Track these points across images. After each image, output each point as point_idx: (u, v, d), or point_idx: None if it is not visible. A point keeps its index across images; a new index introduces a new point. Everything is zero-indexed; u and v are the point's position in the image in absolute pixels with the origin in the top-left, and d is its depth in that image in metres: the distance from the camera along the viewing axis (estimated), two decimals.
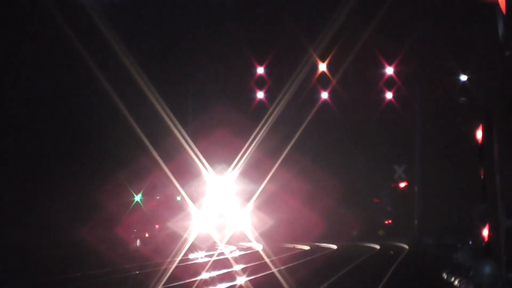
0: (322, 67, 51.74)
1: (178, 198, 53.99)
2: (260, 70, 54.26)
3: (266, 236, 51.84)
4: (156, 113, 44.54)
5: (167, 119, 44.89)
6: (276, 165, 51.76)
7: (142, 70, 43.32)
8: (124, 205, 51.59)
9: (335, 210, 59.59)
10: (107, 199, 47.94)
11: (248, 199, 54.32)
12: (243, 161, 49.54)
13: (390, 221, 61.87)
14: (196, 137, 48.64)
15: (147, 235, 51.68)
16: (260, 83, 54.62)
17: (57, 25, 39.87)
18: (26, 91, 43.19)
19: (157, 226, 53.91)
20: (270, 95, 53.30)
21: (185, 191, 51.44)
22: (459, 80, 48.73)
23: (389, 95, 54.72)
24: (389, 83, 53.77)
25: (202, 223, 51.05)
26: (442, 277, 29.00)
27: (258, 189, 52.62)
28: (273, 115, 49.77)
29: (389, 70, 52.68)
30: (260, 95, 54.67)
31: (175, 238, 49.53)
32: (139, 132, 43.66)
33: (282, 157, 51.85)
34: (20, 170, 43.03)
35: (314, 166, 58.85)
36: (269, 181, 52.34)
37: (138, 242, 49.20)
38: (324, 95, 54.62)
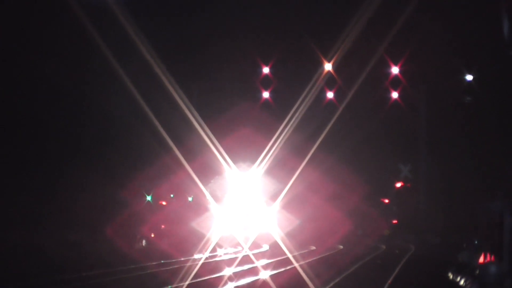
0: (329, 66, 51.70)
1: (206, 196, 53.84)
2: (268, 69, 54.23)
3: (291, 236, 51.16)
4: (179, 111, 44.30)
5: (190, 117, 44.65)
6: (302, 164, 51.46)
7: (165, 68, 43.08)
8: (146, 206, 51.82)
9: (361, 209, 59.52)
10: (129, 198, 48.11)
11: (273, 199, 53.90)
12: (268, 160, 49.18)
13: (395, 221, 61.86)
14: (220, 135, 48.03)
15: (152, 235, 51.68)
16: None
17: (76, 21, 39.84)
18: (48, 88, 43.24)
19: (162, 227, 53.91)
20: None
21: (208, 190, 51.36)
22: (464, 79, 48.70)
23: (394, 94, 54.66)
24: (394, 83, 53.72)
25: (225, 223, 50.68)
26: (448, 277, 28.97)
27: (283, 188, 52.21)
28: (297, 113, 49.43)
29: (395, 70, 52.62)
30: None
31: (184, 239, 49.44)
32: (162, 130, 43.57)
33: (308, 156, 51.56)
34: (41, 168, 43.21)
35: (339, 166, 58.46)
36: (294, 180, 51.93)
37: (143, 242, 49.22)
38: (330, 94, 54.60)
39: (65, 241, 41.80)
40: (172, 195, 55.57)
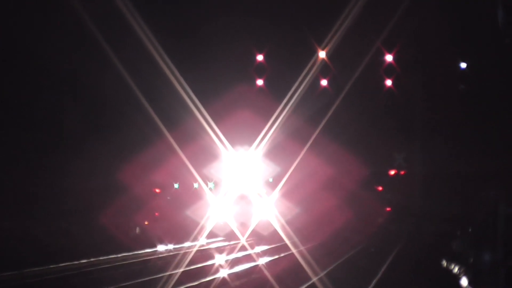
0: (322, 54, 51.52)
1: (210, 184, 53.44)
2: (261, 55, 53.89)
3: (290, 224, 50.63)
4: (175, 93, 43.57)
5: (187, 100, 43.86)
6: (304, 150, 51.07)
7: (162, 50, 42.45)
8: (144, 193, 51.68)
9: (358, 197, 59.26)
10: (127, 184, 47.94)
11: (273, 186, 53.31)
12: (267, 146, 48.56)
13: (389, 209, 61.83)
14: (217, 120, 47.05)
15: (146, 222, 51.54)
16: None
17: (73, 5, 39.54)
18: (36, 68, 42.98)
19: (156, 214, 53.81)
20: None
21: (203, 177, 50.96)
22: (459, 66, 48.61)
23: (388, 82, 54.48)
24: (389, 70, 53.58)
25: (220, 211, 49.97)
26: (442, 265, 28.93)
27: (283, 174, 51.70)
28: (295, 97, 48.90)
29: (389, 57, 52.46)
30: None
31: (178, 226, 49.23)
32: (155, 115, 43.09)
33: (309, 142, 51.18)
34: (26, 154, 43.02)
35: (340, 153, 57.99)
36: (295, 167, 51.42)
37: (137, 230, 49.11)
38: (323, 82, 54.37)
39: (54, 228, 41.50)
40: (157, 189, 55.43)
